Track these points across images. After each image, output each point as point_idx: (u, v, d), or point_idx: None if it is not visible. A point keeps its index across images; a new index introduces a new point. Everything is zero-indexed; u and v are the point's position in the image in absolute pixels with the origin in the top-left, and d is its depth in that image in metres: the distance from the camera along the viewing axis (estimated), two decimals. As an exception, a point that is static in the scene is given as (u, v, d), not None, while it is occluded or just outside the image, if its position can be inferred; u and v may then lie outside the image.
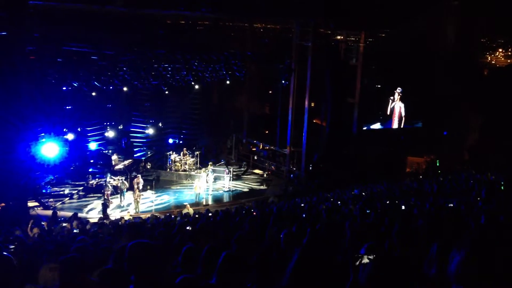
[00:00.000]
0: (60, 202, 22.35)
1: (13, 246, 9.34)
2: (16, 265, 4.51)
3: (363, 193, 18.40)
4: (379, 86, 28.82)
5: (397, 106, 28.91)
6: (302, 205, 15.67)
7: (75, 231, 12.98)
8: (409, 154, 29.85)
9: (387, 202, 14.27)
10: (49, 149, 21.62)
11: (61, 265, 4.06)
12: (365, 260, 4.56)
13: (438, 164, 29.17)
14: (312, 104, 27.01)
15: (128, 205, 22.19)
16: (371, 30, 27.45)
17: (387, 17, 25.22)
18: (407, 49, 26.19)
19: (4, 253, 4.72)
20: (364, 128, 28.29)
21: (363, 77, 27.47)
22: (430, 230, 6.48)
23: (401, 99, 28.87)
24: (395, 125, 29.11)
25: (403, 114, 29.08)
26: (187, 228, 9.16)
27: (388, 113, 28.97)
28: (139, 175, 23.40)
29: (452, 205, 10.69)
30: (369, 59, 27.30)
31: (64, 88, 24.25)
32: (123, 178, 23.88)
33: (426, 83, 29.18)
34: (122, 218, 17.43)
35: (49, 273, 4.70)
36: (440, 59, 26.98)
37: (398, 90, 28.65)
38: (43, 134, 22.55)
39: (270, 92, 33.03)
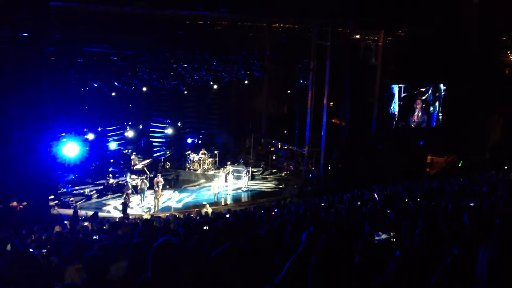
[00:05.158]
0: (81, 201, 22.60)
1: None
2: (43, 263, 4.58)
3: (383, 193, 18.26)
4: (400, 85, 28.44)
5: (418, 106, 28.64)
6: (322, 204, 15.62)
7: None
8: (430, 154, 29.55)
9: (407, 201, 14.17)
10: (70, 149, 21.87)
11: (85, 261, 4.10)
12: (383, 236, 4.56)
13: (460, 165, 28.80)
14: (331, 104, 26.88)
15: (148, 204, 22.34)
16: (390, 29, 27.22)
17: (406, 16, 25.00)
18: (426, 48, 25.93)
19: (30, 250, 4.79)
20: (400, 125, 28.08)
21: (383, 76, 27.24)
22: (451, 230, 6.42)
23: (422, 98, 28.60)
24: (415, 124, 28.86)
25: (424, 113, 28.80)
26: (204, 228, 9.19)
27: (414, 114, 28.71)
28: (159, 175, 23.58)
29: (473, 204, 10.58)
30: (388, 58, 27.05)
31: (84, 89, 24.56)
32: (143, 177, 24.08)
33: (447, 82, 28.88)
34: (141, 217, 17.58)
35: (75, 273, 4.76)
36: (460, 58, 26.66)
37: (420, 89, 28.40)
38: (64, 134, 22.82)
39: (289, 91, 32.97)
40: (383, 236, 4.71)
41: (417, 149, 27.70)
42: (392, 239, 5.07)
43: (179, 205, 22.55)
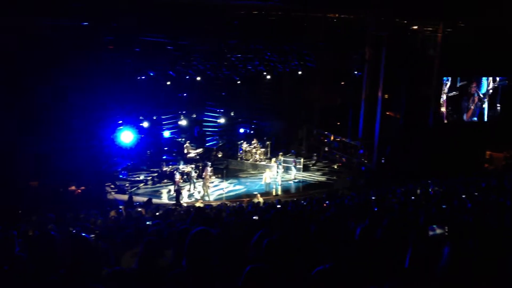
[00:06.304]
0: (135, 188, 23.17)
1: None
2: (94, 247, 4.69)
3: (439, 188, 17.80)
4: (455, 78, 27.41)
5: (477, 99, 27.66)
6: (374, 198, 15.38)
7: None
8: (488, 149, 28.51)
9: (464, 197, 13.74)
10: (126, 136, 22.44)
11: (143, 246, 4.15)
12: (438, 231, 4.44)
13: None
14: (386, 96, 26.31)
15: (199, 193, 22.65)
16: (450, 20, 26.29)
17: (467, 5, 24.04)
18: (486, 40, 24.89)
19: (83, 234, 4.93)
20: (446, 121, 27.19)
21: (441, 68, 26.38)
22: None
23: (479, 91, 27.59)
24: (473, 118, 27.88)
25: (483, 106, 27.80)
26: (254, 217, 9.23)
27: (468, 105, 27.74)
28: (209, 163, 23.89)
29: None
30: (447, 50, 26.14)
31: (140, 77, 25.08)
32: (194, 166, 24.46)
33: (507, 75, 27.71)
34: (194, 205, 17.84)
35: (130, 258, 4.86)
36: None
37: (477, 81, 27.41)
38: (120, 121, 23.42)
39: (343, 83, 32.52)
40: (438, 231, 4.58)
41: (474, 144, 26.72)
42: (446, 234, 4.92)
43: (231, 194, 22.75)
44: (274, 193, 23.16)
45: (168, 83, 27.19)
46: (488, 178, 20.02)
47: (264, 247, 4.10)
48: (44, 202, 15.57)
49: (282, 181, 24.62)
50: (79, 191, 18.97)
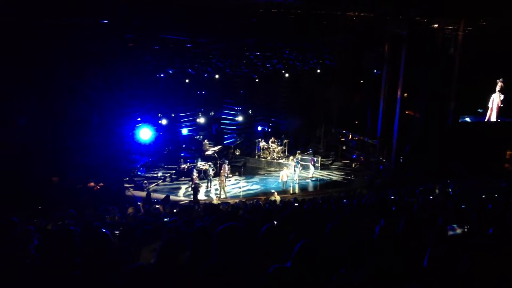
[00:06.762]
0: (154, 184, 23.32)
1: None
2: (114, 243, 4.73)
3: (458, 188, 17.62)
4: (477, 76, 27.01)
5: (497, 98, 27.26)
6: (393, 197, 15.29)
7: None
8: (509, 149, 28.09)
9: (483, 197, 13.59)
10: (145, 134, 22.60)
11: (163, 243, 4.16)
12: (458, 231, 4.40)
13: None
14: (405, 95, 26.08)
15: (216, 191, 22.72)
16: (471, 18, 25.92)
17: (488, 4, 23.67)
18: (508, 37, 24.48)
19: (103, 229, 4.97)
20: (460, 121, 26.89)
21: (461, 67, 26.05)
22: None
23: (502, 91, 27.17)
24: (493, 117, 27.49)
25: (501, 106, 27.40)
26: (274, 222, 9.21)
27: (489, 105, 27.36)
28: (227, 161, 23.94)
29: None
30: (468, 49, 25.78)
31: (159, 75, 25.22)
32: (212, 163, 24.54)
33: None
34: (211, 202, 17.91)
35: (149, 254, 4.88)
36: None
37: (499, 80, 26.99)
38: (139, 119, 23.59)
39: (362, 81, 32.33)
40: (458, 231, 4.54)
41: (494, 144, 26.36)
42: (465, 233, 4.88)
43: (248, 192, 22.77)
44: (291, 191, 23.12)
45: (187, 80, 27.31)
46: (508, 178, 19.78)
47: (296, 250, 4.08)
48: (64, 198, 15.73)
49: (299, 179, 24.58)
50: (98, 187, 19.15)
